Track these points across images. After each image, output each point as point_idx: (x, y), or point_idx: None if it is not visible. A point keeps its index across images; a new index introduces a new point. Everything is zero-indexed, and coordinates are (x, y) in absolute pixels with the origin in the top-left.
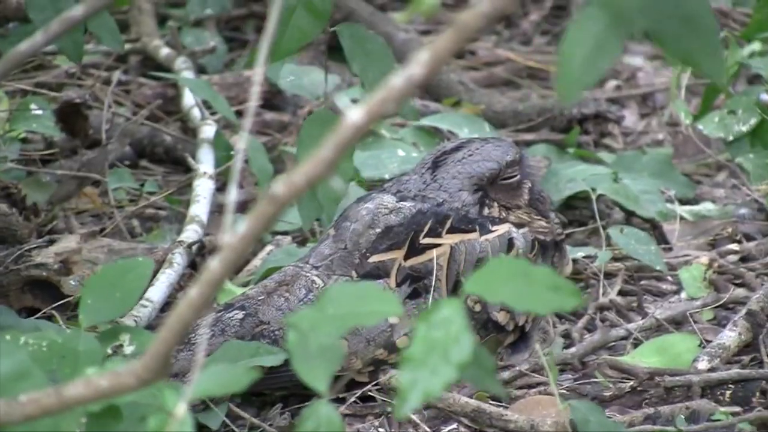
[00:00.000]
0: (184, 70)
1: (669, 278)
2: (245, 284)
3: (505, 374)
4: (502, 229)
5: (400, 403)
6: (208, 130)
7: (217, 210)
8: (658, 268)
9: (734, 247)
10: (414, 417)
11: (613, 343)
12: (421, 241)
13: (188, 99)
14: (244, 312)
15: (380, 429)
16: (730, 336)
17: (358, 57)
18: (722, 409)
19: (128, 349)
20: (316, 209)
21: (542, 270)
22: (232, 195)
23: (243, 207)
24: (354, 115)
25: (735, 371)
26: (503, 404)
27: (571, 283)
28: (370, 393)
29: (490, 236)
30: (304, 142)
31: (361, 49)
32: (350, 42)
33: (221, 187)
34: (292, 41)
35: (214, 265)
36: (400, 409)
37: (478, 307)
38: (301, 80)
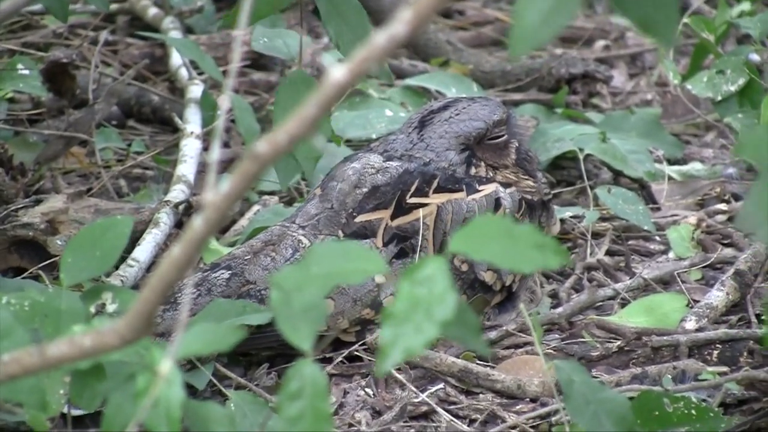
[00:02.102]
0: (171, 30)
1: (657, 238)
2: (232, 244)
3: (492, 334)
4: (489, 188)
5: (381, 360)
6: (196, 90)
7: (204, 170)
8: (645, 228)
9: (722, 207)
10: (400, 377)
11: (600, 303)
12: (407, 201)
13: (176, 59)
14: (230, 272)
15: (367, 389)
16: (717, 296)
17: (333, 20)
18: (709, 368)
19: (111, 308)
20: (294, 168)
21: (527, 228)
22: (215, 154)
23: (229, 166)
24: (337, 72)
25: (722, 331)
26: (490, 364)
27: (556, 241)
28: (356, 353)
29: (477, 196)
30: (280, 104)
31: (336, 12)
32: (326, 5)
33: (208, 147)
34: (263, 6)
35: (197, 223)
36: (381, 365)
37: (464, 267)
38: (275, 42)
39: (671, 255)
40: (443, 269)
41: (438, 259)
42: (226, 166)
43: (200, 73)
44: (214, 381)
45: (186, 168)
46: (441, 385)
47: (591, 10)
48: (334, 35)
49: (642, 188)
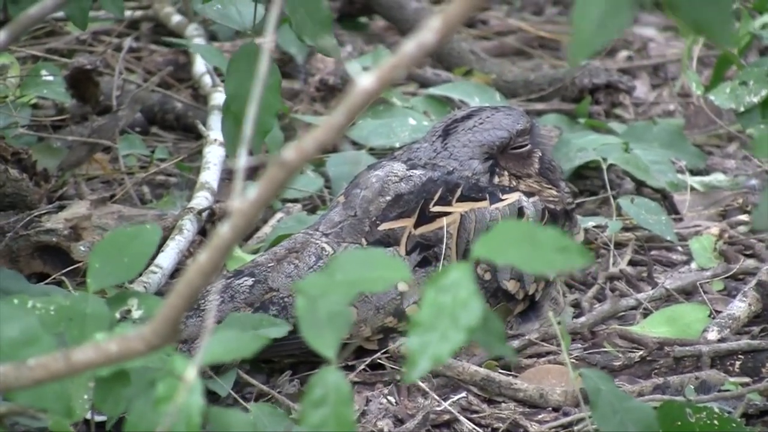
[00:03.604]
0: (195, 37)
1: (679, 248)
2: (255, 251)
3: (515, 343)
4: (512, 197)
5: (409, 368)
6: (219, 97)
7: (227, 177)
8: (668, 238)
9: (744, 217)
10: (423, 385)
11: (622, 313)
12: (431, 209)
13: (199, 66)
14: (253, 279)
15: (389, 397)
16: (739, 306)
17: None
18: (732, 379)
19: (136, 314)
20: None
21: (549, 231)
22: (242, 161)
23: (253, 173)
24: (364, 80)
25: (745, 342)
26: (513, 373)
27: (578, 244)
28: (379, 361)
29: (500, 205)
30: (232, 75)
31: None
32: None
33: None
34: None
35: (223, 230)
36: (410, 374)
37: (488, 276)
38: (228, 10)
39: (693, 265)
40: (468, 275)
41: (462, 265)
42: (250, 173)
43: (224, 80)
44: (233, 392)
45: (209, 175)
46: (463, 394)
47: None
48: (289, 12)
49: (664, 198)
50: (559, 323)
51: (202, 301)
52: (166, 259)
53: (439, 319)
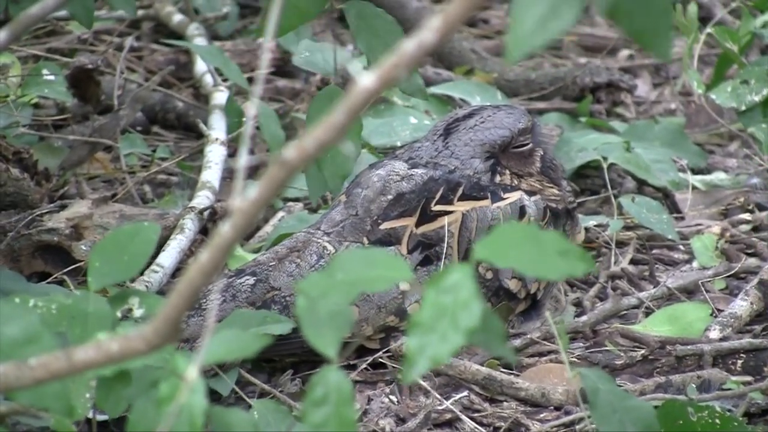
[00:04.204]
0: (196, 37)
1: (681, 247)
2: (257, 250)
3: (517, 342)
4: (513, 196)
5: (407, 368)
6: (220, 97)
7: (228, 176)
8: (669, 237)
9: (746, 216)
10: (425, 384)
11: (624, 312)
12: (432, 208)
13: (200, 65)
14: (255, 278)
15: (391, 396)
16: (741, 305)
17: (363, 34)
18: (734, 378)
19: (138, 313)
20: (323, 184)
21: (552, 235)
22: (243, 160)
23: (254, 173)
24: (366, 79)
25: (746, 340)
26: (514, 372)
27: (580, 248)
28: (380, 360)
29: (501, 203)
30: (312, 117)
31: (366, 26)
32: (356, 20)
33: (233, 154)
34: (292, 18)
35: (224, 229)
36: (408, 374)
37: (489, 275)
38: (315, 56)
39: (695, 264)
40: (469, 277)
41: (463, 266)
42: (251, 172)
43: (225, 80)
44: (236, 389)
45: (210, 174)
46: (465, 393)
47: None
48: (366, 50)
49: (666, 197)
50: (557, 323)
51: (204, 300)
52: (168, 258)
53: (439, 319)
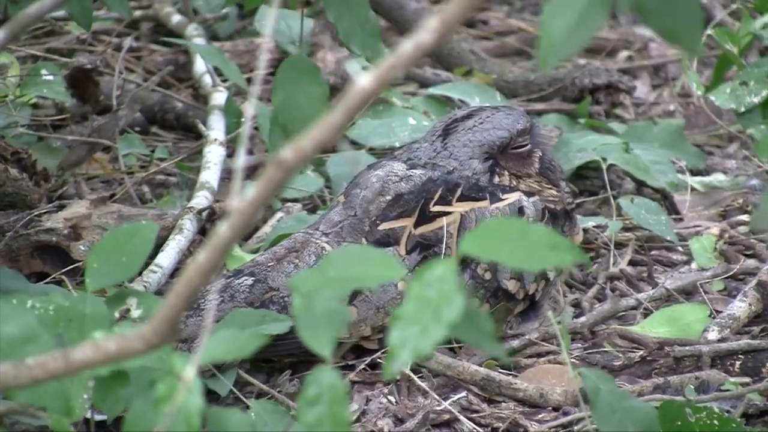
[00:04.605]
0: (195, 37)
1: (679, 248)
2: (255, 251)
3: (515, 343)
4: (512, 197)
5: (390, 361)
6: (219, 97)
7: (227, 176)
8: (668, 238)
9: (745, 218)
10: (423, 384)
11: (623, 313)
12: (431, 209)
13: (199, 66)
14: (253, 278)
15: (389, 396)
16: (740, 306)
17: (334, 5)
18: (732, 379)
19: (135, 313)
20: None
21: (540, 228)
22: (241, 160)
23: (253, 173)
24: (363, 80)
25: (745, 342)
26: (513, 373)
27: (569, 241)
28: (379, 360)
29: (500, 204)
30: (279, 87)
31: None
32: None
33: (232, 154)
34: None
35: (222, 230)
36: (390, 367)
37: (488, 275)
38: (278, 24)
39: (694, 265)
40: (452, 271)
41: (448, 260)
42: (250, 173)
43: (224, 80)
44: (234, 390)
45: (209, 174)
46: (463, 393)
47: (614, 21)
48: (335, 20)
49: (665, 199)
50: (558, 323)
51: (202, 300)
52: (166, 258)
53: (421, 313)
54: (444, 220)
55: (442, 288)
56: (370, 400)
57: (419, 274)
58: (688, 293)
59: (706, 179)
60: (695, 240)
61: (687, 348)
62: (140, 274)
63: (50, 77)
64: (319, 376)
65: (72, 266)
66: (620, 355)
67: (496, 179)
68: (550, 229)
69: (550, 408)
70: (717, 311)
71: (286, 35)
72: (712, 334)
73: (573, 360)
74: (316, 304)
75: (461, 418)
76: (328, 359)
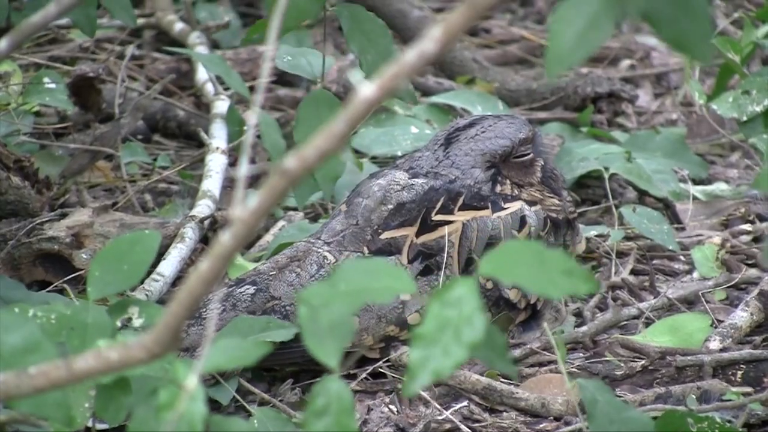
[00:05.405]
0: (197, 45)
1: (681, 258)
2: (257, 260)
3: (517, 352)
4: (514, 206)
5: (409, 381)
6: (221, 105)
7: (229, 185)
8: (670, 247)
9: (747, 227)
10: (424, 394)
11: (624, 322)
12: (433, 218)
13: (202, 74)
14: (255, 287)
15: (390, 405)
16: (742, 316)
17: (356, 37)
18: (734, 389)
19: (137, 322)
20: (312, 188)
21: (556, 253)
22: (243, 169)
23: (255, 182)
24: (366, 89)
25: (747, 351)
26: (514, 382)
27: (584, 268)
28: (381, 369)
29: (502, 213)
30: (302, 122)
31: (359, 29)
32: (349, 22)
33: (234, 162)
34: (290, 18)
35: (225, 238)
36: (410, 387)
37: (489, 285)
38: (298, 60)
39: (695, 275)
40: (473, 291)
41: (468, 280)
42: (252, 181)
43: (226, 89)
44: (237, 397)
45: (211, 183)
46: (465, 403)
47: (617, 30)
48: (358, 52)
49: (667, 208)
50: (554, 333)
51: (204, 309)
52: (168, 267)
53: (442, 333)
54: (446, 229)
55: (463, 308)
56: (372, 409)
57: (439, 294)
58: (690, 302)
59: (708, 188)
60: (697, 249)
61: (689, 357)
62: (142, 282)
63: (53, 85)
64: (327, 387)
65: (74, 275)
66: (622, 364)
67: (498, 188)
68: (563, 247)
69: (552, 418)
70: (719, 321)
71: (307, 71)
72: (714, 344)
73: (574, 369)
74: (322, 314)
75: (462, 427)
76: (334, 369)
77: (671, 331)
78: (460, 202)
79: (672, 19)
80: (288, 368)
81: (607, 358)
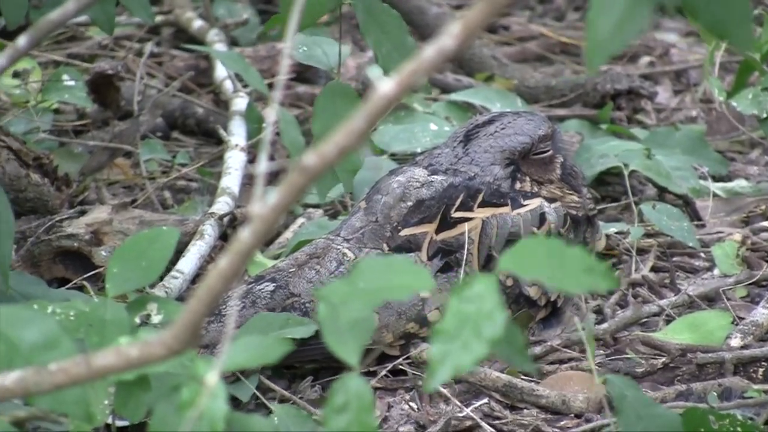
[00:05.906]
0: (216, 43)
1: (702, 255)
2: (276, 257)
3: (537, 349)
4: (534, 203)
5: (429, 377)
6: (240, 103)
7: (248, 182)
8: (690, 244)
9: (767, 224)
10: (445, 391)
11: (645, 320)
12: (452, 215)
13: (220, 71)
14: (275, 284)
15: (411, 403)
16: (763, 313)
17: (372, 29)
18: (755, 386)
19: (156, 319)
20: (332, 181)
21: (577, 250)
22: (262, 166)
23: (274, 179)
24: (385, 85)
25: None
26: (535, 379)
27: (605, 265)
28: (401, 366)
29: (521, 210)
30: (319, 114)
31: (374, 21)
32: (365, 15)
33: (253, 160)
34: (307, 14)
35: (244, 235)
36: (430, 382)
37: (509, 282)
38: (314, 51)
39: (716, 272)
40: (493, 287)
41: (488, 277)
42: (271, 178)
43: (245, 86)
44: (257, 394)
45: (230, 180)
46: (485, 400)
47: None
48: (373, 45)
49: (686, 205)
50: (583, 329)
51: (223, 306)
52: (188, 264)
53: (462, 328)
54: (465, 226)
55: (483, 304)
56: (392, 406)
57: (458, 290)
58: (711, 300)
59: (728, 185)
60: (717, 246)
61: (710, 355)
62: (161, 279)
63: (72, 83)
64: (346, 384)
65: (93, 272)
66: (642, 361)
67: (518, 185)
68: (583, 243)
69: (573, 415)
70: (740, 318)
71: (321, 61)
72: (735, 341)
73: (595, 366)
74: (341, 312)
75: (483, 424)
76: (354, 366)
77: (692, 328)
78: (480, 199)
79: (710, 6)
80: (308, 365)
81: (628, 356)
